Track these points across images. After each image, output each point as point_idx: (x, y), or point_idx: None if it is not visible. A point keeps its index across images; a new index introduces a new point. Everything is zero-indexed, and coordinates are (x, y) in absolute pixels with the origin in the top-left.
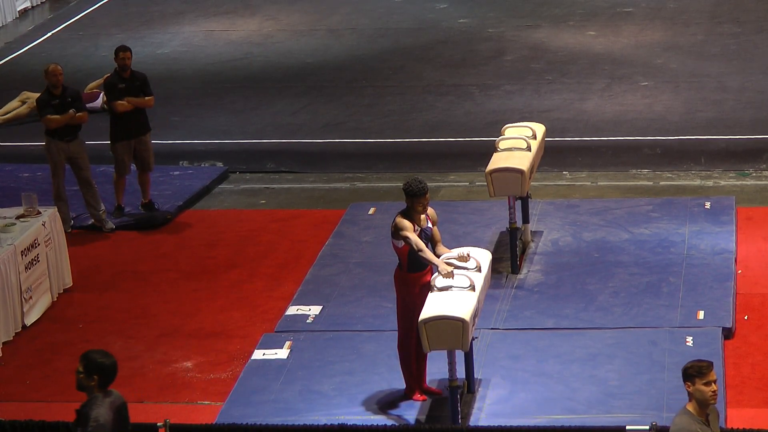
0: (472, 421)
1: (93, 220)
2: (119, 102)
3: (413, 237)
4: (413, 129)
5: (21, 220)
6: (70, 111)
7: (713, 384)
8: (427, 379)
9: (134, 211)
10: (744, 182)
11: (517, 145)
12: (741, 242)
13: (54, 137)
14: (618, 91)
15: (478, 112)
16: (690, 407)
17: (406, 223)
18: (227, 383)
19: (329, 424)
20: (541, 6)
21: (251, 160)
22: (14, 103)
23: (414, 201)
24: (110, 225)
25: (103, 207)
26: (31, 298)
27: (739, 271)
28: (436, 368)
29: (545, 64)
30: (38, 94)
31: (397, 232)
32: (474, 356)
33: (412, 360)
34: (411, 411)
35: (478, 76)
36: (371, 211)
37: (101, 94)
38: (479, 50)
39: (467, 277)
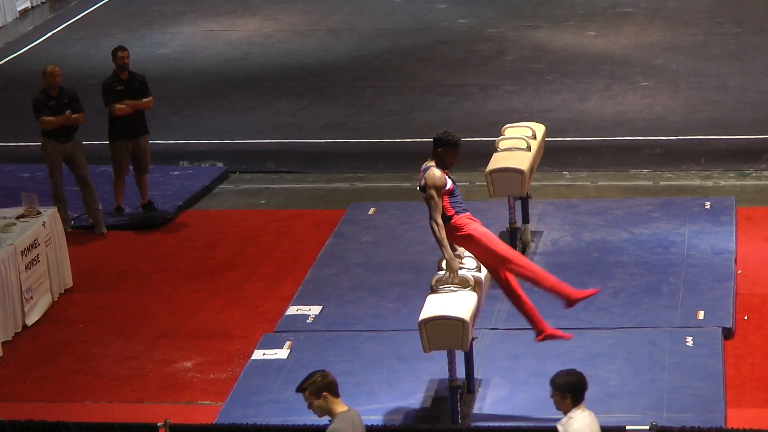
0: (472, 421)
1: (91, 220)
2: (118, 106)
3: (437, 212)
4: (413, 129)
5: (21, 220)
6: (67, 112)
7: None
8: (427, 379)
9: (134, 212)
10: (744, 182)
11: (517, 145)
12: (741, 242)
13: (50, 138)
14: (618, 91)
15: (478, 112)
16: None
17: (437, 175)
18: (227, 383)
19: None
20: (541, 6)
21: (251, 160)
22: None
23: (451, 151)
24: (102, 228)
25: (100, 207)
26: (31, 298)
27: (739, 271)
28: (436, 368)
29: (545, 64)
30: None
31: (429, 181)
32: (474, 356)
33: (520, 296)
34: (411, 411)
35: (478, 76)
36: (371, 211)
37: None
38: (479, 50)
39: (467, 277)
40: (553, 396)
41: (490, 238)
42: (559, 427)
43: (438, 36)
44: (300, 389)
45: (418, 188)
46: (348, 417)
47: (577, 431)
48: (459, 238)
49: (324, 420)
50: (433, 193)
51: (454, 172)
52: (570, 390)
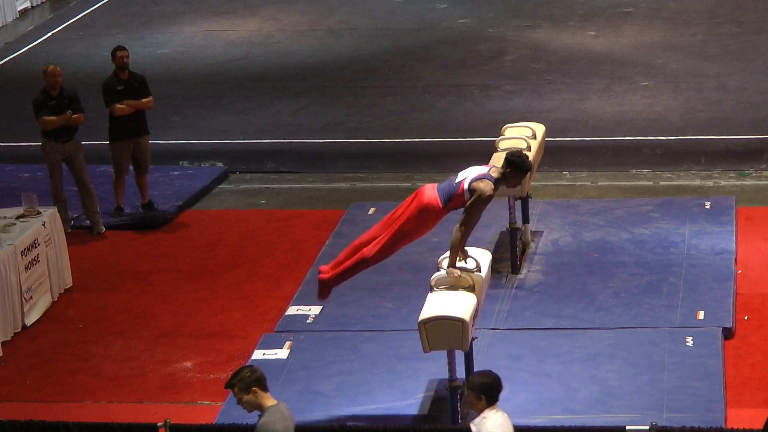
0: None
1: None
2: (118, 106)
3: (472, 225)
4: (413, 129)
5: (21, 220)
6: (68, 112)
7: None
8: (427, 379)
9: (134, 212)
10: (744, 182)
11: (517, 145)
12: (741, 242)
13: (50, 138)
14: (618, 91)
15: (478, 112)
16: None
17: (492, 194)
18: None
19: (329, 424)
20: (541, 6)
21: (251, 160)
22: None
23: (520, 176)
24: (100, 228)
25: (98, 209)
26: (31, 298)
27: (739, 271)
28: (436, 368)
29: (545, 64)
30: None
31: (481, 195)
32: (474, 356)
33: (350, 256)
34: (411, 411)
35: (478, 76)
36: (371, 211)
37: None
38: (479, 50)
39: (467, 277)
40: (468, 396)
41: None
42: (473, 427)
43: (438, 36)
44: (229, 385)
45: (466, 185)
46: (278, 410)
47: (490, 430)
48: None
49: (322, 420)
50: (482, 207)
51: (455, 170)
52: (485, 391)
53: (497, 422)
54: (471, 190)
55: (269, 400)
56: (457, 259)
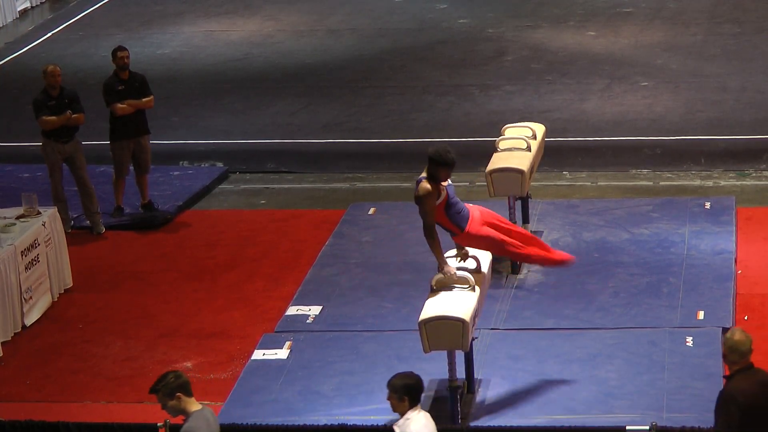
0: (472, 421)
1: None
2: (119, 105)
3: (431, 226)
4: (413, 129)
5: (21, 220)
6: (67, 112)
7: None
8: (427, 379)
9: (134, 212)
10: (744, 182)
11: (517, 145)
12: (741, 242)
13: (50, 138)
14: (618, 92)
15: (478, 112)
16: None
17: (428, 189)
18: (227, 383)
19: (329, 424)
20: (541, 6)
21: (251, 160)
22: None
23: (443, 170)
24: (100, 228)
25: (98, 210)
26: (31, 298)
27: (739, 271)
28: (436, 368)
29: (545, 64)
30: None
31: (416, 195)
32: (474, 356)
33: (528, 257)
34: None
35: (478, 76)
36: (371, 211)
37: None
38: (479, 50)
39: (467, 277)
40: (390, 398)
41: (489, 232)
42: (396, 429)
43: (438, 36)
44: (153, 390)
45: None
46: (202, 415)
47: (414, 431)
48: (467, 241)
49: (322, 420)
50: (425, 208)
51: (455, 171)
52: (408, 392)
53: (421, 423)
54: (415, 200)
55: (194, 405)
56: (445, 258)
